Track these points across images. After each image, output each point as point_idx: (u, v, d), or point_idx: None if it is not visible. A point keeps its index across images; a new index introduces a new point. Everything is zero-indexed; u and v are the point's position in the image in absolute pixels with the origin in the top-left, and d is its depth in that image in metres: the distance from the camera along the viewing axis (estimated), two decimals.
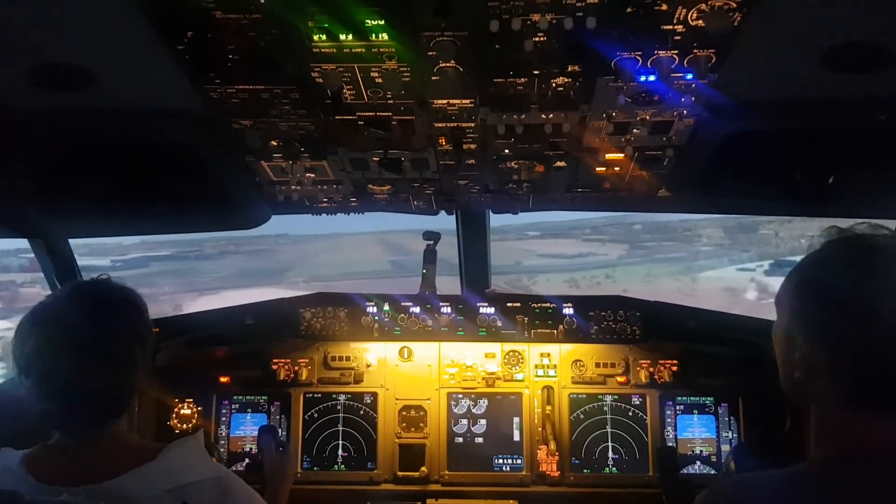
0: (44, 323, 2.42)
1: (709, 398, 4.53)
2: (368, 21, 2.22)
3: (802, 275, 2.08)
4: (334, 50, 2.37)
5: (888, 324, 1.84)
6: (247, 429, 4.64)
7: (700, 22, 2.16)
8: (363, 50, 2.37)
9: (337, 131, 3.01)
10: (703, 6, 2.11)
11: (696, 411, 4.52)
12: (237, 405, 4.68)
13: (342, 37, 2.30)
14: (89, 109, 2.79)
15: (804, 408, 2.09)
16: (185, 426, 4.60)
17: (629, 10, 2.13)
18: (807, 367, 1.98)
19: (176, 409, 4.64)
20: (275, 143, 3.14)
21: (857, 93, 2.62)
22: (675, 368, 4.49)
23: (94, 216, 3.74)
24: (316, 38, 2.31)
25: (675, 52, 2.35)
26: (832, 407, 1.95)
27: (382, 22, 2.23)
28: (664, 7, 2.12)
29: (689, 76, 2.50)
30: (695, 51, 2.34)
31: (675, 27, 2.21)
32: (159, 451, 2.47)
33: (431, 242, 4.83)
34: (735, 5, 2.09)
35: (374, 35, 2.29)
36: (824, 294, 1.97)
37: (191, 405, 4.65)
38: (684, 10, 2.13)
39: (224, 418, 4.66)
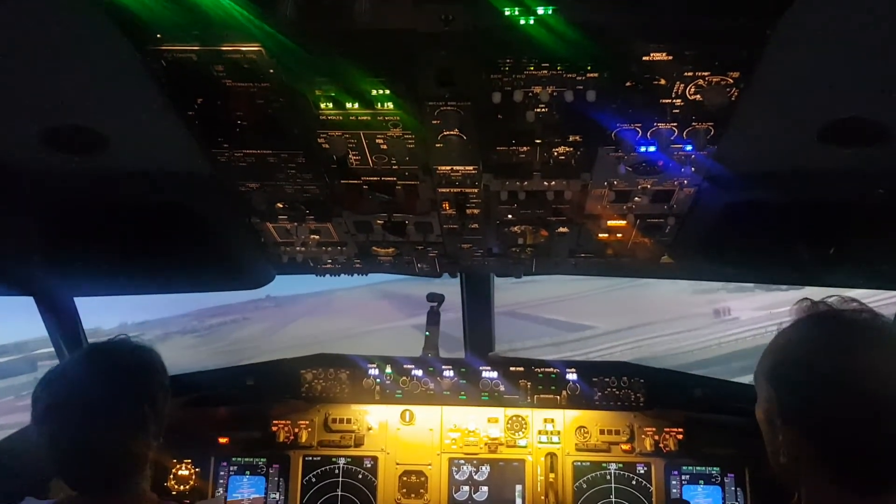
0: (55, 384, 2.49)
1: (715, 468, 4.43)
2: (374, 90, 2.29)
3: (775, 356, 2.04)
4: (341, 117, 2.43)
5: (866, 401, 1.80)
6: (244, 492, 4.55)
7: (698, 96, 2.21)
8: (369, 118, 2.43)
9: (342, 195, 3.05)
10: (701, 81, 2.16)
11: (702, 481, 4.42)
12: (235, 467, 4.59)
13: (348, 105, 2.36)
14: (99, 171, 2.85)
15: (795, 488, 2.04)
16: (182, 487, 4.51)
17: (628, 84, 2.18)
18: (790, 452, 1.95)
19: (174, 470, 4.55)
20: (280, 206, 3.18)
21: (854, 166, 2.65)
22: (680, 437, 4.41)
23: (101, 275, 3.78)
24: (323, 105, 2.37)
25: (675, 124, 2.39)
26: (820, 490, 1.91)
27: (388, 91, 2.29)
28: (663, 82, 2.17)
29: (689, 147, 2.54)
30: (694, 123, 2.39)
31: (674, 101, 2.26)
32: None
33: (435, 304, 4.82)
34: (732, 81, 2.13)
35: (379, 104, 2.35)
36: (798, 377, 1.93)
37: (189, 466, 4.57)
38: (682, 85, 2.18)
39: (222, 480, 4.57)
